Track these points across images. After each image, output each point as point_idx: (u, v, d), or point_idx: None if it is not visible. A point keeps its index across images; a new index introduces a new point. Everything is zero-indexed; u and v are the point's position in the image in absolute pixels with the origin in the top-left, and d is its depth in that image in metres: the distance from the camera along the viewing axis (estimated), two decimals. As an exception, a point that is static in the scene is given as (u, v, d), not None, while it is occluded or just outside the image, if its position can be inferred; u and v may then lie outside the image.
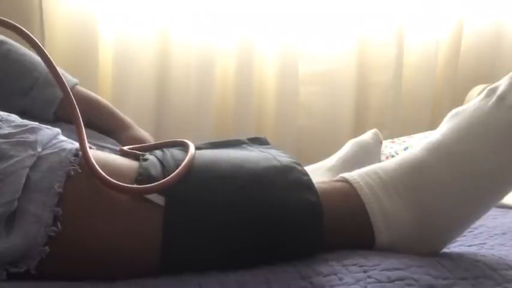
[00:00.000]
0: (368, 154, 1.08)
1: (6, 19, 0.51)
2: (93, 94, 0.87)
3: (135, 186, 0.46)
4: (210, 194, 0.47)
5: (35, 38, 0.52)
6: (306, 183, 0.50)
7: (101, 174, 0.46)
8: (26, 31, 0.52)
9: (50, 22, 1.31)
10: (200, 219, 0.46)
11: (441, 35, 1.66)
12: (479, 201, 0.53)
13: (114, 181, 0.45)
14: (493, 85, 0.56)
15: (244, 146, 0.58)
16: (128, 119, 0.88)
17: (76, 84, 0.84)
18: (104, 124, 0.84)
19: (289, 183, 0.49)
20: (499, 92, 0.55)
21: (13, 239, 0.42)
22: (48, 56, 0.53)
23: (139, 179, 0.47)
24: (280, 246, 0.47)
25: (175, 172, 0.47)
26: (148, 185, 0.46)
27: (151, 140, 0.86)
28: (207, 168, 0.49)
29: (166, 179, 0.46)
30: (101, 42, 1.36)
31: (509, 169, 0.53)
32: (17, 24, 0.51)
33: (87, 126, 0.65)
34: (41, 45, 0.52)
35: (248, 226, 0.46)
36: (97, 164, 0.47)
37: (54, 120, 0.79)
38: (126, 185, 0.45)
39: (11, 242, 0.42)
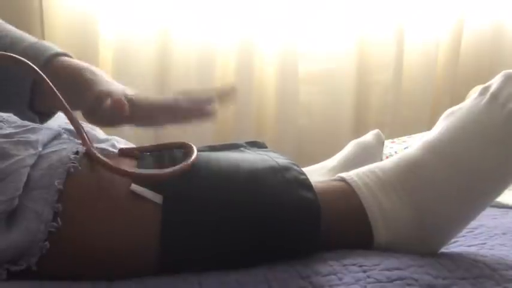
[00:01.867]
0: (370, 155, 1.08)
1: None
2: (76, 65, 0.71)
3: (139, 171, 0.47)
4: (208, 192, 0.47)
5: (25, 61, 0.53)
6: (303, 182, 0.50)
7: (104, 160, 0.47)
8: (18, 57, 0.53)
9: (50, 22, 1.32)
10: (198, 218, 0.46)
11: (441, 35, 1.66)
12: (476, 199, 0.53)
13: (118, 167, 0.46)
14: (486, 84, 0.57)
15: (242, 149, 0.59)
16: (99, 76, 0.69)
17: (58, 55, 0.71)
18: (71, 91, 0.66)
19: (286, 181, 0.49)
20: (491, 90, 0.55)
21: (13, 235, 0.42)
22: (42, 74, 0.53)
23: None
24: (279, 244, 0.47)
25: (179, 165, 0.47)
26: (153, 171, 0.47)
27: (116, 92, 0.65)
28: (205, 167, 0.49)
29: (172, 168, 0.47)
30: (101, 42, 1.36)
31: (504, 166, 0.53)
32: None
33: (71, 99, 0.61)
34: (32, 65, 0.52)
35: (246, 224, 0.46)
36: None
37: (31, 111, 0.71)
38: (129, 170, 0.47)
39: (12, 238, 0.42)
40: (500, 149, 0.53)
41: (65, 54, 0.72)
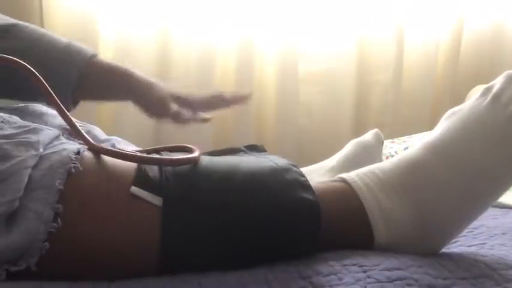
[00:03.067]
0: (369, 154, 1.08)
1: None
2: (111, 64, 0.81)
3: (144, 155, 0.50)
4: (207, 194, 0.47)
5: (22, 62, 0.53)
6: (303, 183, 0.50)
7: (106, 148, 0.50)
8: (21, 62, 0.52)
9: (50, 22, 1.31)
10: (197, 221, 0.46)
11: (441, 35, 1.66)
12: (477, 200, 0.53)
13: (123, 151, 0.49)
14: (489, 84, 0.57)
15: (241, 153, 0.59)
16: (144, 79, 0.80)
17: (94, 56, 0.79)
18: (121, 89, 0.80)
19: (285, 182, 0.49)
20: (494, 90, 0.55)
21: (13, 235, 0.42)
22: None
23: (137, 180, 0.47)
24: (279, 246, 0.47)
25: (186, 156, 0.50)
26: (160, 157, 0.50)
27: (166, 99, 0.80)
28: (204, 169, 0.50)
29: (180, 156, 0.50)
30: (101, 42, 1.36)
31: (506, 167, 0.53)
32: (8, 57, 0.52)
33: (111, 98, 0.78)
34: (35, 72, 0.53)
35: (246, 226, 0.46)
36: (97, 164, 0.48)
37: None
38: (135, 154, 0.50)
39: (12, 238, 0.42)
40: (502, 149, 0.53)
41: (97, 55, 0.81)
